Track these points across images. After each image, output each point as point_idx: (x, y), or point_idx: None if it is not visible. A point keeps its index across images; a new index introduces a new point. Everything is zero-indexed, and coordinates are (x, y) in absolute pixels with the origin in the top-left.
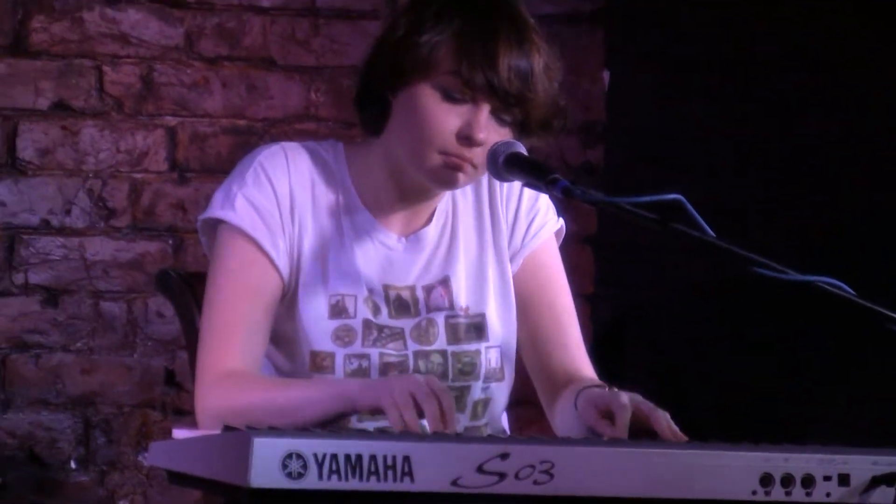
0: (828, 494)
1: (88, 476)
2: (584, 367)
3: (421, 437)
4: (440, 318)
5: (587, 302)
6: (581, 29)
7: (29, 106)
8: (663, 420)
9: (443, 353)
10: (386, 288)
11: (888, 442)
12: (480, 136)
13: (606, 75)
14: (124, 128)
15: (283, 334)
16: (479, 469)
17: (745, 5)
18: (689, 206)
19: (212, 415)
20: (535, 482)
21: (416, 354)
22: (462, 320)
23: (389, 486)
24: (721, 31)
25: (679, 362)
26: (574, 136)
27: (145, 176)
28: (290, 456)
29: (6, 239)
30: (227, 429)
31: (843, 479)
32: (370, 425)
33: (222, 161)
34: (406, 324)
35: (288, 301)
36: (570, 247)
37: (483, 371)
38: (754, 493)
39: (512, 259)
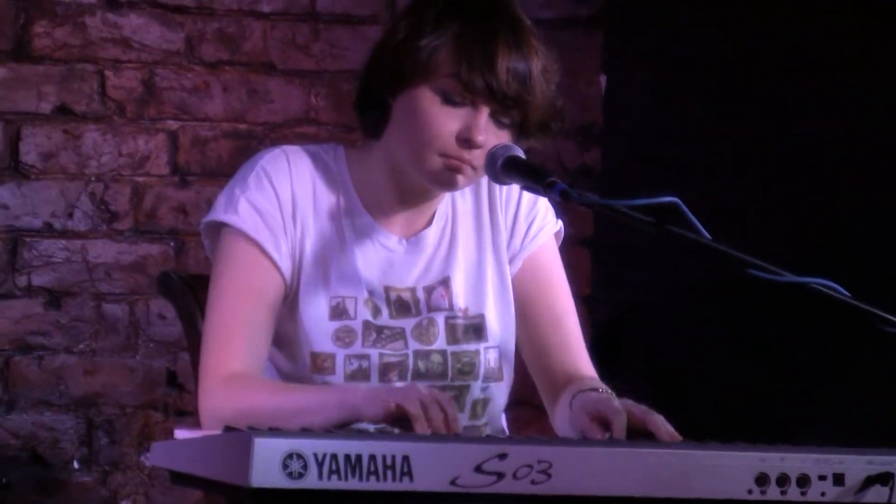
0: (823, 494)
1: (91, 476)
2: (585, 366)
3: (420, 437)
4: (440, 319)
5: (584, 304)
6: (578, 33)
7: (32, 110)
8: (659, 421)
9: (442, 352)
10: (387, 290)
11: (882, 442)
12: (480, 138)
13: (603, 78)
14: (126, 132)
15: (284, 335)
16: (478, 469)
17: (742, 8)
18: (685, 209)
19: (215, 416)
20: (533, 482)
21: (416, 354)
22: (461, 321)
23: (389, 485)
24: (717, 34)
25: (675, 363)
26: (571, 139)
27: (147, 179)
28: (290, 456)
29: (9, 242)
30: (228, 429)
31: (838, 479)
32: (370, 425)
33: (223, 165)
34: (407, 323)
35: (289, 303)
36: (568, 249)
37: (482, 371)
38: (750, 492)
39: (511, 261)
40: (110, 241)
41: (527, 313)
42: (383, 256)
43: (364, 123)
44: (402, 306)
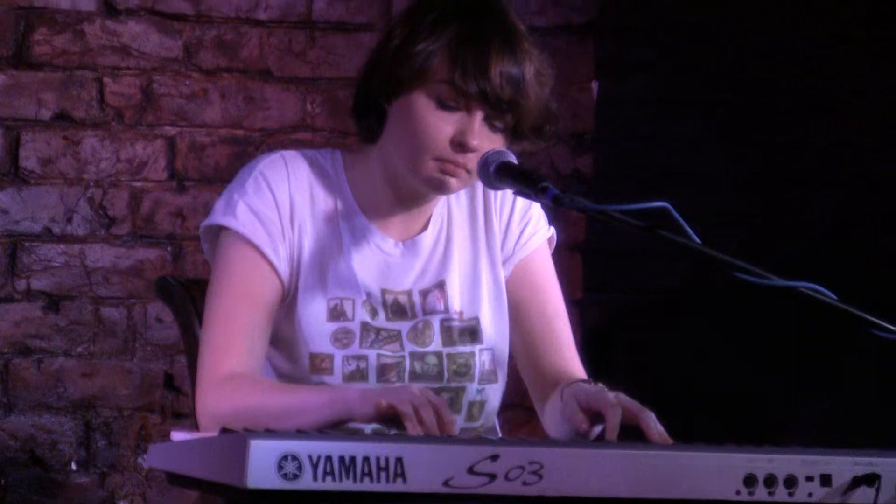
0: (810, 494)
1: (89, 477)
2: (575, 367)
3: (413, 439)
4: (436, 321)
5: (576, 307)
6: (571, 40)
7: (31, 116)
8: (651, 420)
9: (437, 354)
10: (384, 292)
11: (869, 443)
12: (474, 142)
13: (595, 85)
14: (124, 138)
15: (283, 337)
16: (470, 470)
17: (733, 16)
18: (676, 214)
19: (212, 417)
20: (525, 483)
21: (412, 356)
22: (456, 324)
23: (382, 486)
24: (708, 42)
25: (665, 366)
26: (564, 144)
27: (145, 185)
28: (285, 457)
29: (9, 246)
30: (224, 431)
31: (825, 480)
32: (367, 427)
33: (220, 170)
34: (403, 326)
35: (287, 305)
36: (560, 253)
37: (477, 373)
38: (738, 493)
39: (504, 264)
40: (108, 245)
41: (518, 315)
42: (380, 259)
43: (361, 128)
44: (398, 309)
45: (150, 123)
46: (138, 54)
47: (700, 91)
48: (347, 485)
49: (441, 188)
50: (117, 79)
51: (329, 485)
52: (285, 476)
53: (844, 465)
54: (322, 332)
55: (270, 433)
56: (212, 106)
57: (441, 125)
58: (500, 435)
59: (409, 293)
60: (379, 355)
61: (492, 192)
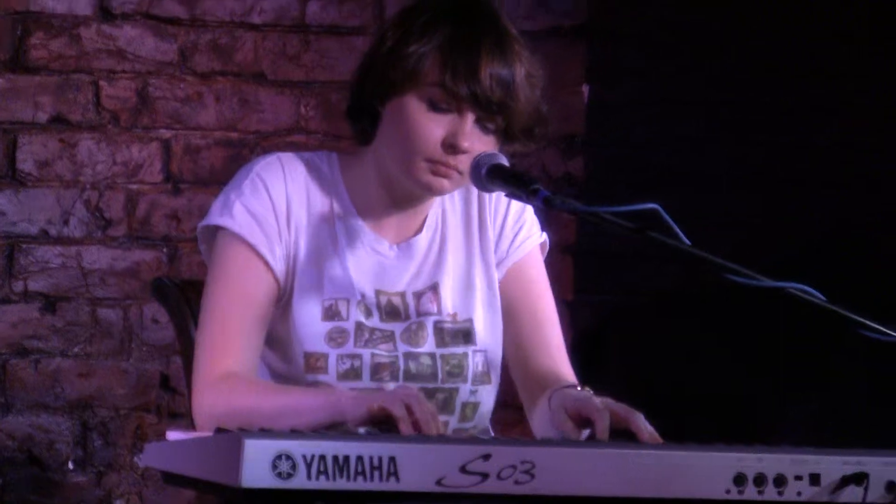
0: (799, 493)
1: (86, 477)
2: (564, 370)
3: (406, 438)
4: (429, 323)
5: (567, 308)
6: (561, 43)
7: (28, 119)
8: (640, 421)
9: (431, 355)
10: (378, 293)
11: (857, 443)
12: (465, 144)
13: (586, 88)
14: (120, 140)
15: (278, 336)
16: (463, 469)
17: (722, 20)
18: (666, 215)
19: (208, 415)
20: (517, 482)
21: (406, 356)
22: (449, 326)
23: (376, 485)
24: (698, 45)
25: (656, 366)
26: (555, 147)
27: (141, 187)
28: (279, 457)
29: (6, 248)
30: (219, 430)
31: (814, 479)
32: (360, 429)
33: (215, 172)
34: (396, 327)
35: (283, 305)
36: (551, 254)
37: (471, 373)
38: (728, 492)
39: (497, 266)
40: (105, 247)
41: (510, 317)
42: (375, 261)
43: (356, 131)
44: (391, 310)
45: (146, 126)
46: (134, 58)
47: (690, 94)
48: (341, 484)
49: (433, 189)
50: (113, 82)
51: (323, 484)
52: (280, 475)
53: (833, 465)
54: (317, 332)
55: (265, 433)
56: (206, 109)
57: (433, 127)
58: (492, 435)
59: (402, 295)
60: (373, 354)
61: (486, 196)
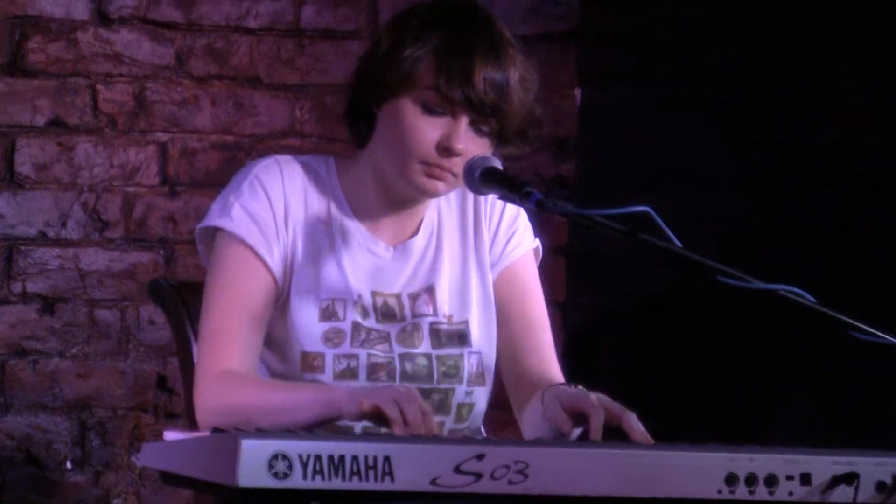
0: (790, 493)
1: (84, 476)
2: (555, 373)
3: (401, 438)
4: (425, 324)
5: (559, 310)
6: (554, 47)
7: (26, 123)
8: (633, 421)
9: (427, 356)
10: (374, 294)
11: (848, 443)
12: (459, 147)
13: (578, 92)
14: (117, 143)
15: (275, 336)
16: (457, 469)
17: (714, 24)
18: (657, 218)
19: (208, 411)
20: (510, 482)
21: (402, 357)
22: (445, 327)
23: (371, 485)
24: (690, 48)
25: (648, 368)
26: (547, 150)
27: (137, 189)
28: (276, 457)
29: (4, 250)
30: (216, 430)
31: (805, 479)
32: (357, 426)
33: (211, 175)
34: (392, 328)
35: (281, 305)
36: (544, 257)
37: (466, 375)
38: (720, 491)
39: (491, 269)
40: (102, 249)
41: (501, 319)
42: (371, 262)
43: (352, 133)
44: (387, 311)
45: (143, 129)
46: (131, 62)
47: (682, 97)
48: (336, 483)
49: (427, 192)
50: (110, 86)
51: (318, 483)
52: (276, 475)
53: (824, 465)
54: (314, 332)
55: (261, 433)
56: (203, 112)
57: (427, 130)
58: (484, 435)
59: (398, 296)
60: (369, 354)
61: (482, 199)
